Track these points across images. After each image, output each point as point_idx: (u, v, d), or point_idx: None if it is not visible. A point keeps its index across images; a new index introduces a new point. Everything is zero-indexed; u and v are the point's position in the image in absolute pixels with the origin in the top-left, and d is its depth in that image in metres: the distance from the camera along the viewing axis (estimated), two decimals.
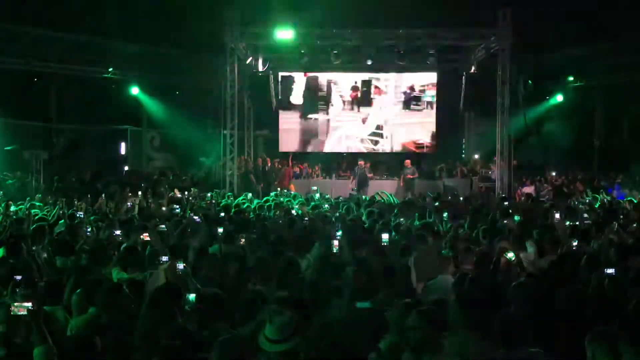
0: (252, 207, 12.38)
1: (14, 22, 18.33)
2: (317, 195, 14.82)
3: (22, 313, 4.09)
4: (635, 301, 4.75)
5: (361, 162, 20.16)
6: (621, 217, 10.45)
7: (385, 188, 18.47)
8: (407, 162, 20.15)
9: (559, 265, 6.26)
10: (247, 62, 20.02)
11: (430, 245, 7.57)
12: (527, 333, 4.14)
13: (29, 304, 4.10)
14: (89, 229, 8.64)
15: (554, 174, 20.91)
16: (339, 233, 7.65)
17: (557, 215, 9.10)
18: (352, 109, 22.30)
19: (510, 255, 6.10)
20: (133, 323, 4.74)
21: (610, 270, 5.40)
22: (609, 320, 4.58)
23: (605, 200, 13.68)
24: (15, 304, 4.15)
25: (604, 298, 5.27)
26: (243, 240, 7.49)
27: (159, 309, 4.59)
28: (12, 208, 11.50)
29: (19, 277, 5.21)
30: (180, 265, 5.55)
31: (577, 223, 9.27)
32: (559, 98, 22.66)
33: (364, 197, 14.61)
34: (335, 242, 6.86)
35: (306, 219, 9.56)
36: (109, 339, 4.07)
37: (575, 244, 7.12)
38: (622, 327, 4.13)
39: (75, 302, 5.05)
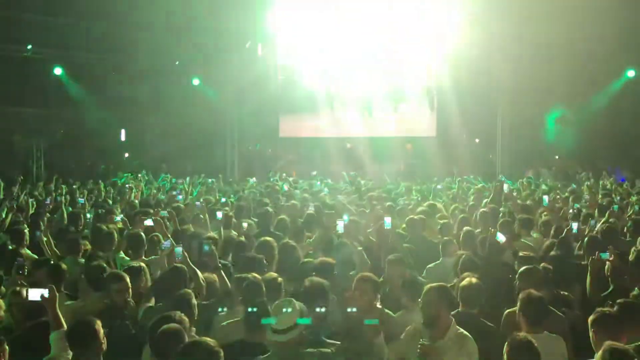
0: (252, 192, 12.41)
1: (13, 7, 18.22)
2: (318, 181, 14.77)
3: (37, 298, 4.16)
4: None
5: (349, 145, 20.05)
6: (620, 199, 10.46)
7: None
8: (408, 146, 20.13)
9: (556, 247, 6.29)
10: (247, 47, 19.94)
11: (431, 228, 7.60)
12: (547, 314, 4.24)
13: (45, 290, 4.15)
14: (89, 216, 8.66)
15: (557, 157, 20.88)
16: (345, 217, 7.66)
17: (547, 198, 9.12)
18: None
19: (501, 237, 6.14)
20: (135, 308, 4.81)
21: (606, 255, 5.42)
22: (608, 302, 4.63)
23: (606, 183, 13.67)
24: (30, 289, 4.20)
25: (603, 280, 5.31)
26: (246, 225, 7.51)
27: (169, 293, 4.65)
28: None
29: (21, 260, 5.25)
30: (179, 251, 5.58)
31: (578, 206, 9.29)
32: None
33: (362, 181, 14.58)
34: (340, 224, 6.89)
35: (311, 206, 9.55)
36: (112, 323, 4.11)
37: (575, 226, 7.12)
38: (623, 310, 4.16)
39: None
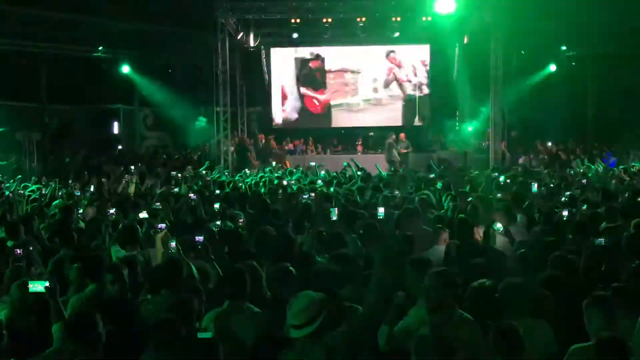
0: (248, 183, 12.41)
1: (1, 1, 18.08)
2: (322, 172, 14.63)
3: (39, 290, 4.16)
4: (632, 269, 4.84)
5: (394, 136, 20.09)
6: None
7: (380, 162, 18.53)
8: (402, 135, 20.17)
9: (548, 233, 6.34)
10: (238, 37, 19.86)
11: (423, 217, 7.64)
12: (528, 302, 4.27)
13: (47, 282, 4.16)
14: (80, 210, 8.65)
15: (549, 144, 20.95)
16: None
17: (535, 185, 9.17)
18: (347, 84, 22.33)
19: (499, 226, 6.18)
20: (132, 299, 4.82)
21: (600, 240, 5.47)
22: (602, 286, 4.68)
23: (598, 169, 13.73)
24: (32, 282, 4.21)
25: (596, 266, 5.35)
26: (242, 220, 7.52)
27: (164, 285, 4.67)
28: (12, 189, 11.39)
29: (19, 251, 5.22)
30: (173, 243, 5.59)
31: (569, 193, 9.35)
32: (552, 68, 22.60)
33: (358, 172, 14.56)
34: (335, 210, 6.93)
35: (306, 196, 9.56)
36: (109, 315, 4.13)
37: (565, 213, 7.17)
38: (616, 293, 4.21)
39: (74, 277, 5.12)
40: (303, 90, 22.32)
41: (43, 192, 10.34)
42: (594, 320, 3.88)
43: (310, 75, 22.26)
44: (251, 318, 4.36)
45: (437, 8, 16.85)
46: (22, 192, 10.21)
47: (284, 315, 3.78)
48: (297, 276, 4.80)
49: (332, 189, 10.81)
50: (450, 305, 4.10)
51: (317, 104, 22.41)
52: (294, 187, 11.09)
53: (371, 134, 22.07)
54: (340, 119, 22.53)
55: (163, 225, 6.17)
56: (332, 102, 22.37)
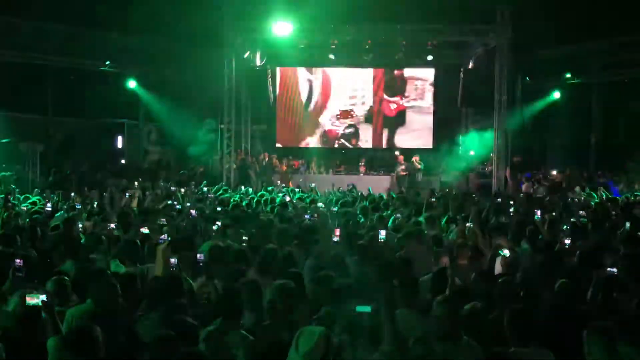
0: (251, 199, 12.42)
1: (11, 14, 18.27)
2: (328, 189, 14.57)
3: (36, 303, 4.12)
4: (637, 302, 4.81)
5: (413, 159, 20.09)
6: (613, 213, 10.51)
7: (381, 184, 18.59)
8: (401, 157, 20.18)
9: (549, 262, 6.30)
10: (245, 56, 19.99)
11: (424, 240, 7.61)
12: (534, 329, 4.24)
13: (44, 296, 4.12)
14: (80, 224, 8.63)
15: (554, 172, 20.94)
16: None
17: (539, 213, 9.14)
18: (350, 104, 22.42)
19: (506, 252, 6.14)
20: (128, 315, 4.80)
21: (612, 270, 5.43)
22: (606, 317, 4.64)
23: (602, 196, 13.67)
24: (30, 295, 4.17)
25: (603, 295, 5.31)
26: (245, 238, 7.50)
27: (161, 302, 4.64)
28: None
29: (18, 261, 5.17)
30: (174, 261, 5.56)
31: (573, 220, 9.31)
32: (557, 95, 22.70)
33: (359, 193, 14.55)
34: (337, 231, 6.91)
35: (308, 215, 9.55)
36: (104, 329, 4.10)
37: (568, 241, 7.13)
38: (618, 324, 4.18)
39: (70, 290, 5.09)
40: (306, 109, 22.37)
41: (48, 205, 10.30)
42: (595, 351, 3.85)
43: (315, 94, 22.35)
44: (243, 340, 4.34)
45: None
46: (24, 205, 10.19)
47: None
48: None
49: (335, 208, 10.80)
50: (458, 332, 4.09)
51: (321, 122, 22.50)
52: (291, 209, 11.06)
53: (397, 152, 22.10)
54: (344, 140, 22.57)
55: (165, 236, 6.14)
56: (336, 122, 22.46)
